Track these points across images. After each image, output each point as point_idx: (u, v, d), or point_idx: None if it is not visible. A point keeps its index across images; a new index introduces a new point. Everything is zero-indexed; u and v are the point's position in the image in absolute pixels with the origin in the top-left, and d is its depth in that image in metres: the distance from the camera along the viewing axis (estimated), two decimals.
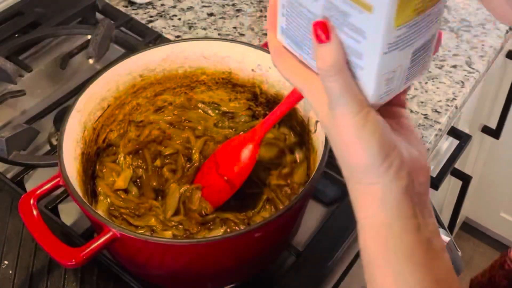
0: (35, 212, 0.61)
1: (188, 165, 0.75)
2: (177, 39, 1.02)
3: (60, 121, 0.70)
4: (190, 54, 0.77)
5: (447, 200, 1.43)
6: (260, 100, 0.79)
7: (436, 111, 0.91)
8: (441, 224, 0.84)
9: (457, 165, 1.00)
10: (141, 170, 0.75)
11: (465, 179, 1.16)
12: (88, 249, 0.57)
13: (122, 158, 0.75)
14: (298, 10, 0.40)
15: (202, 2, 1.10)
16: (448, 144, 1.13)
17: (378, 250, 0.39)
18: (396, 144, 0.39)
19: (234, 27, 1.05)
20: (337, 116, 0.38)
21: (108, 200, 0.71)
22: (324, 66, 0.37)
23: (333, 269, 0.72)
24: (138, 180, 0.74)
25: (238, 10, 1.09)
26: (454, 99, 0.93)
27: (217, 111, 0.81)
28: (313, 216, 0.79)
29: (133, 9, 1.08)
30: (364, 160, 0.38)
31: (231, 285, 0.71)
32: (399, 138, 0.40)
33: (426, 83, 0.95)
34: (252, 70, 0.77)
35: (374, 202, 0.39)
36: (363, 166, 0.38)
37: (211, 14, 1.08)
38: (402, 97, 0.43)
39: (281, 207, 0.70)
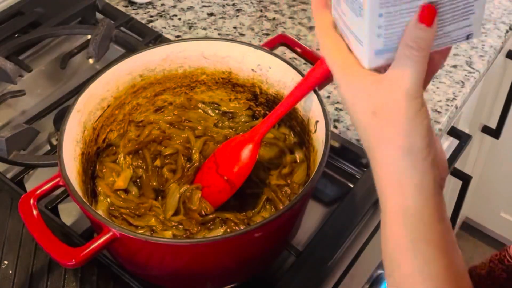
0: (35, 212, 0.61)
1: (188, 165, 0.75)
2: (177, 39, 1.02)
3: (60, 121, 0.70)
4: (190, 54, 0.77)
5: (447, 200, 1.43)
6: (260, 100, 0.79)
7: (436, 111, 0.91)
8: None
9: (457, 165, 1.00)
10: (141, 170, 0.75)
11: (465, 179, 1.16)
12: (88, 249, 0.57)
13: (122, 158, 0.75)
14: None
15: (202, 2, 1.10)
16: (448, 144, 1.13)
17: (407, 237, 0.41)
18: (435, 137, 0.42)
19: (234, 27, 1.05)
20: (398, 97, 0.41)
21: (108, 200, 0.71)
22: (419, 46, 0.40)
23: (333, 269, 0.72)
24: (138, 180, 0.74)
25: (238, 10, 1.09)
26: (454, 99, 0.93)
27: (217, 111, 0.81)
28: (313, 216, 0.79)
29: (133, 9, 1.08)
30: (409, 142, 0.40)
31: (231, 285, 0.71)
32: None
33: None
34: (252, 70, 0.77)
35: (410, 187, 0.41)
36: (406, 148, 0.40)
37: (211, 14, 1.08)
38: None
39: (281, 207, 0.70)
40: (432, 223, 0.41)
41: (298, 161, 0.75)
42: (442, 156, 0.44)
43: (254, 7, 1.09)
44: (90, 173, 0.72)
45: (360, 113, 0.44)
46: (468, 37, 0.45)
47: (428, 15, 0.39)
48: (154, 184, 0.73)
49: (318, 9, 0.47)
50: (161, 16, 1.07)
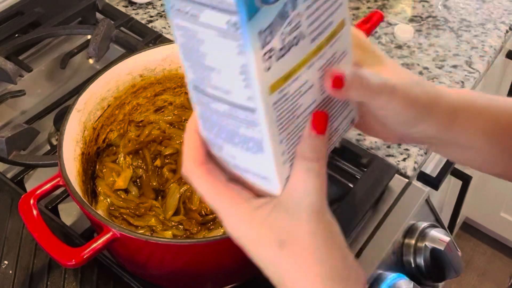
0: (35, 212, 0.61)
1: None
2: None
3: (60, 121, 0.70)
4: None
5: (447, 200, 1.43)
6: None
7: None
8: (441, 224, 0.84)
9: (457, 165, 0.99)
10: (141, 170, 0.75)
11: (465, 179, 1.15)
12: (88, 249, 0.57)
13: (122, 158, 0.75)
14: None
15: None
16: None
17: None
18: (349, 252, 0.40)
19: None
20: (303, 220, 0.37)
21: (108, 200, 0.71)
22: (314, 156, 0.38)
23: None
24: (138, 180, 0.74)
25: None
26: None
27: None
28: None
29: (133, 9, 1.08)
30: (326, 268, 0.38)
31: (231, 285, 0.71)
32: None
33: None
34: None
35: None
36: (325, 274, 0.38)
37: None
38: None
39: None
40: None
41: None
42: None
43: None
44: (90, 173, 0.72)
45: (264, 249, 0.38)
46: (352, 121, 0.44)
47: (320, 121, 0.37)
48: (154, 184, 0.73)
49: (202, 173, 0.40)
50: (161, 16, 1.07)
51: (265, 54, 0.34)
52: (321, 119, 0.38)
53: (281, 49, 0.35)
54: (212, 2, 0.33)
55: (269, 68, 0.34)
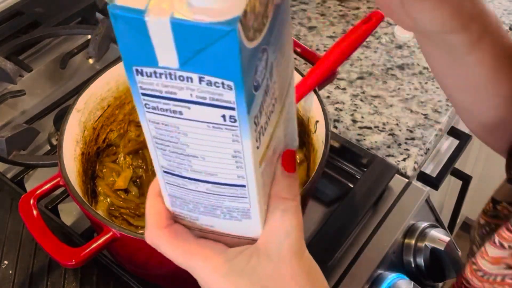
0: (35, 212, 0.61)
1: None
2: None
3: (60, 121, 0.70)
4: None
5: (447, 200, 1.43)
6: None
7: (436, 111, 0.91)
8: (441, 224, 0.84)
9: (457, 165, 0.99)
10: (141, 170, 0.75)
11: (465, 179, 1.15)
12: (88, 249, 0.57)
13: (122, 158, 0.75)
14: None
15: None
16: (448, 144, 1.13)
17: None
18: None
19: None
20: (282, 260, 0.37)
21: (108, 200, 0.71)
22: (290, 195, 0.38)
23: (333, 269, 0.72)
24: (138, 180, 0.74)
25: None
26: None
27: None
28: (313, 216, 0.79)
29: None
30: None
31: None
32: None
33: (426, 83, 0.95)
34: None
35: None
36: None
37: None
38: None
39: None
40: None
41: (298, 161, 0.75)
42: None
43: None
44: (90, 173, 0.72)
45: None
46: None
47: (290, 161, 0.38)
48: None
49: (153, 198, 0.39)
50: None
51: (257, 135, 0.33)
52: (290, 158, 0.38)
53: (265, 123, 0.34)
54: (203, 99, 0.31)
55: (258, 147, 0.34)
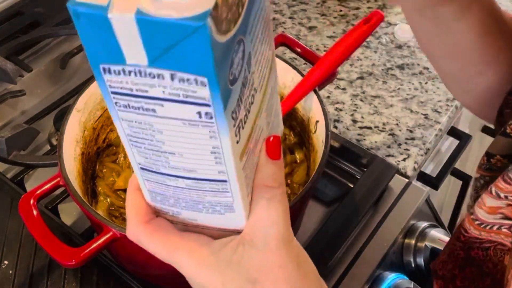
0: (35, 212, 0.61)
1: None
2: None
3: (60, 121, 0.70)
4: None
5: (447, 200, 1.43)
6: None
7: (436, 111, 0.91)
8: (441, 224, 0.84)
9: (457, 165, 0.99)
10: None
11: (465, 179, 1.15)
12: (88, 249, 0.57)
13: (122, 158, 0.75)
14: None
15: None
16: (448, 144, 1.13)
17: None
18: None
19: None
20: (271, 250, 0.36)
21: (108, 200, 0.71)
22: (275, 183, 0.36)
23: (333, 269, 0.72)
24: None
25: None
26: (454, 99, 0.93)
27: None
28: (313, 216, 0.79)
29: None
30: None
31: None
32: None
33: (426, 83, 0.95)
34: None
35: None
36: None
37: None
38: None
39: None
40: None
41: (298, 161, 0.75)
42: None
43: None
44: (90, 173, 0.72)
45: None
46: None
47: (275, 147, 0.36)
48: None
49: (150, 231, 0.38)
50: None
51: (235, 130, 0.32)
52: (275, 145, 0.36)
53: (245, 116, 0.33)
54: (176, 96, 0.30)
55: (238, 141, 0.32)
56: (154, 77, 0.29)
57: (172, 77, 0.29)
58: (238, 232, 0.37)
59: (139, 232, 0.38)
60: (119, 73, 0.30)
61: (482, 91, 0.59)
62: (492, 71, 0.56)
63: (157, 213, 0.39)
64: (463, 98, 0.64)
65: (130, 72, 0.29)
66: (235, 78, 0.30)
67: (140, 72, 0.29)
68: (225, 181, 0.34)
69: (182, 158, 0.33)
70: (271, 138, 0.36)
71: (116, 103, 0.31)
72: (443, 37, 0.54)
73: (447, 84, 0.63)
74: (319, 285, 0.39)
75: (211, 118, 0.30)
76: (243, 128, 0.33)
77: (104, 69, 0.30)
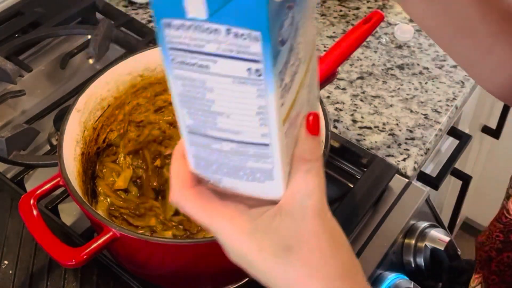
0: (35, 212, 0.61)
1: None
2: None
3: (60, 121, 0.70)
4: None
5: (447, 200, 1.43)
6: None
7: (436, 111, 0.91)
8: (441, 224, 0.84)
9: (457, 165, 0.99)
10: (141, 170, 0.75)
11: (465, 179, 1.15)
12: (88, 249, 0.57)
13: (122, 158, 0.75)
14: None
15: None
16: (448, 144, 1.13)
17: None
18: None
19: None
20: (307, 219, 0.37)
21: (108, 200, 0.71)
22: (313, 157, 0.38)
23: None
24: (138, 180, 0.74)
25: None
26: (454, 99, 0.93)
27: None
28: None
29: (133, 9, 1.08)
30: (337, 264, 0.38)
31: (231, 285, 0.71)
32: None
33: (426, 83, 0.95)
34: None
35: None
36: (339, 273, 0.38)
37: None
38: None
39: None
40: None
41: None
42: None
43: None
44: (90, 173, 0.72)
45: (270, 259, 0.37)
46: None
47: (314, 124, 0.39)
48: (154, 184, 0.73)
49: (190, 196, 0.39)
50: None
51: (281, 91, 0.34)
52: (315, 121, 0.39)
53: (290, 81, 0.35)
54: (229, 52, 0.32)
55: (282, 104, 0.34)
56: (210, 32, 0.31)
57: (228, 32, 0.31)
58: (274, 202, 0.39)
59: (183, 197, 0.39)
60: (178, 28, 0.32)
61: (495, 67, 0.59)
62: (499, 44, 0.56)
63: (199, 181, 0.40)
64: (480, 79, 0.63)
65: (189, 27, 0.32)
66: (283, 40, 0.33)
67: (198, 27, 0.32)
68: (267, 145, 0.36)
69: (229, 119, 0.35)
70: (311, 115, 0.39)
71: (172, 59, 0.33)
72: (449, 19, 0.55)
73: (463, 67, 0.63)
74: (351, 259, 0.39)
75: (260, 75, 0.32)
76: (287, 92, 0.35)
77: (165, 24, 0.32)
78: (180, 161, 0.40)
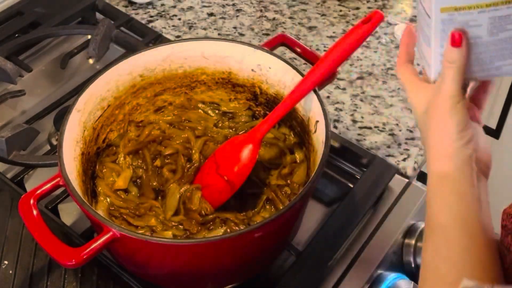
0: (35, 212, 0.61)
1: (188, 165, 0.75)
2: (177, 39, 1.02)
3: (60, 121, 0.70)
4: (190, 54, 0.77)
5: None
6: (260, 100, 0.79)
7: None
8: None
9: None
10: (141, 170, 0.75)
11: None
12: (88, 249, 0.57)
13: (122, 158, 0.75)
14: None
15: (202, 2, 1.10)
16: None
17: (439, 190, 0.55)
18: (471, 125, 0.54)
19: (234, 27, 1.05)
20: (440, 95, 0.53)
21: (108, 200, 0.71)
22: (453, 60, 0.53)
23: (333, 269, 0.72)
24: (138, 180, 0.74)
25: (238, 10, 1.09)
26: None
27: (217, 111, 0.81)
28: (313, 216, 0.79)
29: (133, 9, 1.08)
30: (449, 127, 0.53)
31: (231, 285, 0.71)
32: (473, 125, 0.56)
33: None
34: (252, 70, 0.77)
35: (446, 156, 0.53)
36: (448, 132, 0.53)
37: (211, 14, 1.08)
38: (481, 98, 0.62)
39: (281, 207, 0.70)
40: (459, 182, 0.53)
41: (298, 161, 0.75)
42: (485, 146, 0.57)
43: (254, 7, 1.09)
44: (90, 173, 0.72)
45: (419, 112, 0.57)
46: None
47: (454, 38, 0.52)
48: (154, 184, 0.74)
49: (401, 65, 0.61)
50: (161, 16, 1.07)
51: None
52: (455, 37, 0.52)
53: None
54: None
55: None
56: None
57: None
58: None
59: (399, 68, 0.61)
60: None
61: None
62: None
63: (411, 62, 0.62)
64: None
65: None
66: None
67: None
68: (430, 16, 0.52)
69: None
70: (453, 33, 0.52)
71: None
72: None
73: None
74: (457, 119, 0.53)
75: None
76: None
77: None
78: (402, 44, 0.62)
